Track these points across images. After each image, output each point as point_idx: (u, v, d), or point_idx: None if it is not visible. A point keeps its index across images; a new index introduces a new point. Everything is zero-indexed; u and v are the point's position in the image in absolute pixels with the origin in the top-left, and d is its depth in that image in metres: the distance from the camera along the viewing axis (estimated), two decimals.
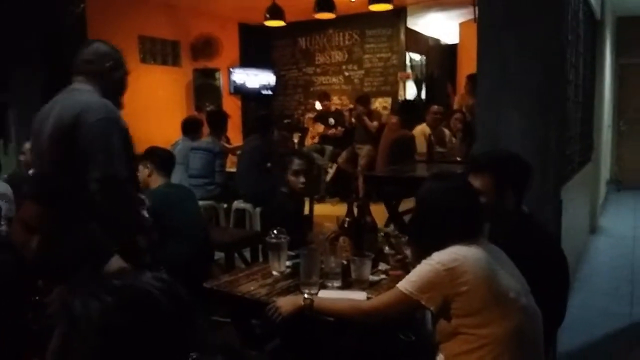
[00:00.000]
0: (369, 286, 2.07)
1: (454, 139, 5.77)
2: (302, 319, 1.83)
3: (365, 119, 6.89)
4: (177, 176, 4.23)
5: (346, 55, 8.59)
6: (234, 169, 5.26)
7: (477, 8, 3.48)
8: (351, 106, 7.80)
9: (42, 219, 1.57)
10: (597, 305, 3.62)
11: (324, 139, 7.66)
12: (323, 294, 1.99)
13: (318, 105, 8.10)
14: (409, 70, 8.37)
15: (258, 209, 4.70)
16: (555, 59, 3.00)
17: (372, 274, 2.17)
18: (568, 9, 3.53)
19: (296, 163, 2.83)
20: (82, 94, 2.06)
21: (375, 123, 6.93)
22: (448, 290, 1.59)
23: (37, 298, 1.45)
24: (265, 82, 8.86)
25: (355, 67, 8.54)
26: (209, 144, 5.03)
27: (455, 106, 6.86)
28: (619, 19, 7.86)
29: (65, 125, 1.98)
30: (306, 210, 3.79)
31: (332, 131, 7.59)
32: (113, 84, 2.16)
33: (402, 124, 5.52)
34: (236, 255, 4.00)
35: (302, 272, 2.05)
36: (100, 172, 1.95)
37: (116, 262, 1.84)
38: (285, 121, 8.50)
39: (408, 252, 2.25)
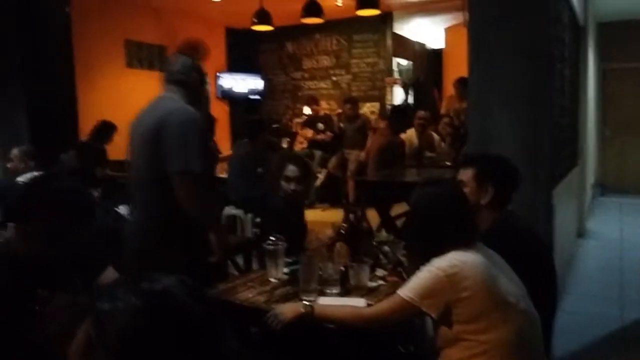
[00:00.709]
0: (368, 292, 2.07)
1: (443, 143, 5.80)
2: (302, 327, 1.81)
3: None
4: None
5: (334, 60, 8.61)
6: (224, 175, 5.21)
7: (465, 12, 3.52)
8: (339, 111, 7.80)
9: (25, 237, 1.55)
10: (588, 309, 3.65)
11: (313, 144, 7.62)
12: (322, 301, 1.98)
13: (307, 110, 8.07)
14: (396, 75, 8.41)
15: (249, 215, 4.66)
16: (543, 61, 3.03)
17: (370, 280, 2.16)
18: (554, 13, 3.57)
19: (289, 170, 2.78)
20: (169, 100, 2.37)
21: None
22: (449, 296, 1.58)
23: (36, 307, 1.42)
24: (252, 87, 8.84)
25: (343, 72, 8.56)
26: None
27: (443, 111, 6.91)
28: (600, 25, 7.97)
29: (152, 126, 2.27)
30: None
31: (321, 136, 7.56)
32: (195, 92, 2.44)
33: (391, 129, 5.53)
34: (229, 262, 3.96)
35: (302, 279, 2.03)
36: (179, 167, 2.19)
37: (110, 274, 1.84)
38: (274, 126, 8.47)
39: (404, 258, 2.25)
